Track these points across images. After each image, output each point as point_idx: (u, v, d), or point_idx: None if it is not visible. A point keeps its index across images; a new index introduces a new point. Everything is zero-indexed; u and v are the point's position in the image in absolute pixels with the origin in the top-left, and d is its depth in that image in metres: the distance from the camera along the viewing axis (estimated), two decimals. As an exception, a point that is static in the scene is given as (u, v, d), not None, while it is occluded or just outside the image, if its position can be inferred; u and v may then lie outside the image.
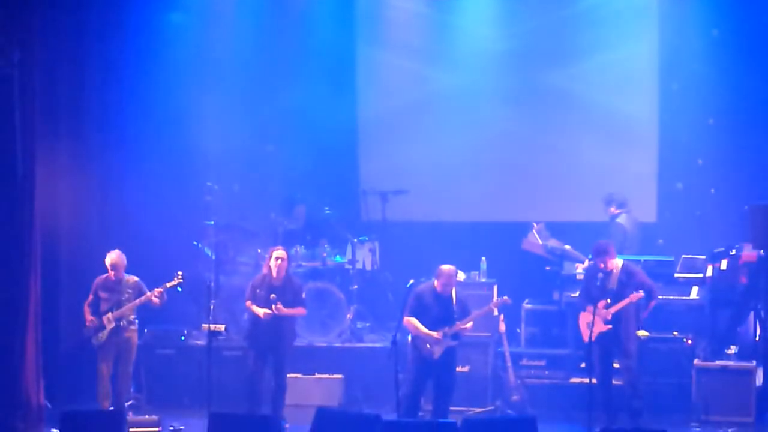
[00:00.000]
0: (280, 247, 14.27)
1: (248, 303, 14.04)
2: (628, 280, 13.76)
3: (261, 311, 13.88)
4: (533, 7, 16.64)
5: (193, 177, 16.40)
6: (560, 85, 16.61)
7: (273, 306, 13.80)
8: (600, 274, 13.79)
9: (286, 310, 13.86)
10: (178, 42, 16.24)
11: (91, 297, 14.30)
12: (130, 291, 14.23)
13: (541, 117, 16.68)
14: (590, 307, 13.62)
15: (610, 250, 13.86)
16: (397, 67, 16.93)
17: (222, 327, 13.91)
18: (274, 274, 13.95)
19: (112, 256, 14.24)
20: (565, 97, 16.61)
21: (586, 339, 13.80)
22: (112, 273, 14.22)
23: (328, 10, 16.73)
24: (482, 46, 16.61)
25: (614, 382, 13.96)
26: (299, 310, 14.09)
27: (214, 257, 15.99)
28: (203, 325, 14.08)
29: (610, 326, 13.69)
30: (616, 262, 13.84)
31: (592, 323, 13.50)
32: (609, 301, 13.70)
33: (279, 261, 13.94)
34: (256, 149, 16.86)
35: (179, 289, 14.38)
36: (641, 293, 13.73)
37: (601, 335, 13.71)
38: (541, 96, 16.68)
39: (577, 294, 14.74)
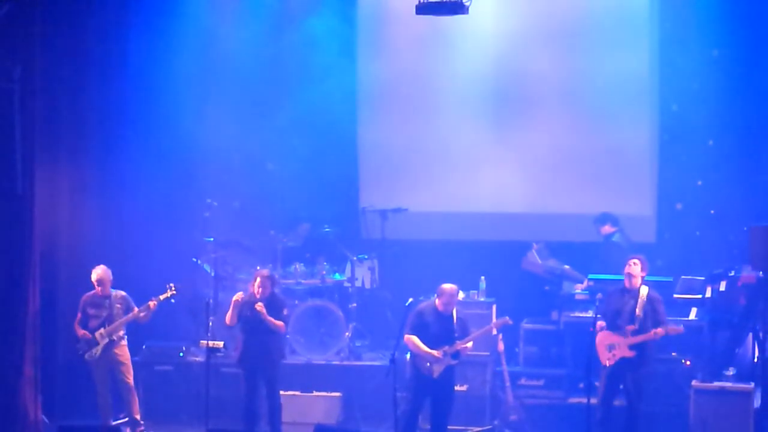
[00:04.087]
0: (267, 268, 14.21)
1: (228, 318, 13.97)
2: (650, 309, 13.48)
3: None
4: (530, 29, 16.63)
5: (192, 193, 16.41)
6: (559, 105, 16.60)
7: (256, 305, 13.72)
8: (625, 296, 13.51)
9: (268, 317, 13.73)
10: (180, 58, 16.24)
11: (79, 315, 14.28)
12: (119, 306, 14.23)
13: (540, 138, 16.67)
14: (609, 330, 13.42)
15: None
16: (396, 86, 16.93)
17: (220, 343, 13.86)
18: (257, 294, 13.88)
19: (98, 272, 14.23)
20: (564, 117, 16.60)
21: (604, 361, 13.49)
22: (99, 288, 14.21)
23: (329, 29, 16.72)
24: (482, 68, 16.62)
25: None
26: (280, 324, 13.90)
27: (213, 274, 15.99)
28: (202, 341, 14.07)
29: (633, 352, 13.39)
30: (643, 289, 13.53)
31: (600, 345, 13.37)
32: (636, 327, 13.41)
33: (260, 280, 13.88)
34: (256, 166, 16.86)
35: (172, 300, 14.37)
36: (664, 332, 13.43)
37: (621, 360, 13.46)
38: (540, 117, 16.66)
39: (576, 314, 14.70)
